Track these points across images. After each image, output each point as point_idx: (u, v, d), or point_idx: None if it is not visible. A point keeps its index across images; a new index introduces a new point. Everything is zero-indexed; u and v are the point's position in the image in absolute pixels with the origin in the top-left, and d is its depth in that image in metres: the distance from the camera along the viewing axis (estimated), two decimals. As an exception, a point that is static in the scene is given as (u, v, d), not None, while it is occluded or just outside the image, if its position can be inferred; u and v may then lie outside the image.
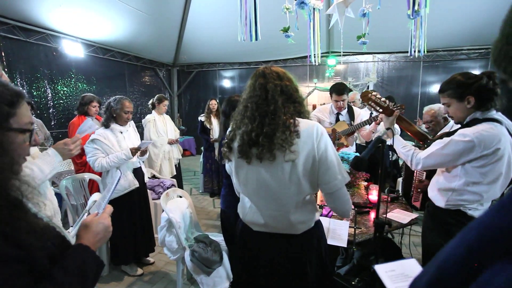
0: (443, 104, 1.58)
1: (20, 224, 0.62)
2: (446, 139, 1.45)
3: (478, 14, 4.95)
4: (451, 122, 2.06)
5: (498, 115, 1.43)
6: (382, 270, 0.96)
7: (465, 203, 1.46)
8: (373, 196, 2.14)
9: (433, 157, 1.48)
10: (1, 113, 0.67)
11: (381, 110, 1.91)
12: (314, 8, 2.50)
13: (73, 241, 0.80)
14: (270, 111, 1.09)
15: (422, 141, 1.86)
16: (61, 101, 4.96)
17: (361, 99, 2.03)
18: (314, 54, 2.75)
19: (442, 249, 0.41)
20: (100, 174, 2.81)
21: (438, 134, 1.76)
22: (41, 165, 1.37)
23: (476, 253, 0.34)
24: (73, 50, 4.94)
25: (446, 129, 2.15)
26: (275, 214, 1.15)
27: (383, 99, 1.92)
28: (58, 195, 2.84)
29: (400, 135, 1.79)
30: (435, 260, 0.40)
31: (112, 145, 2.37)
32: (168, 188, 3.34)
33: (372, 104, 1.93)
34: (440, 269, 0.38)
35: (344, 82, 3.08)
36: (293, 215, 1.13)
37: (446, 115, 1.64)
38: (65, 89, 5.03)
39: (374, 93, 1.94)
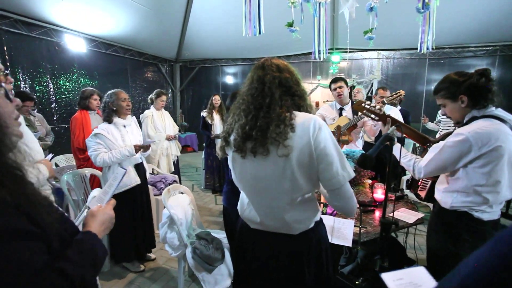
0: (439, 105, 1.54)
1: (41, 207, 0.65)
2: (441, 143, 1.40)
3: (486, 11, 4.85)
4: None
5: (500, 112, 1.36)
6: (390, 278, 0.92)
7: (471, 205, 1.40)
8: (378, 194, 2.10)
9: (432, 163, 1.43)
10: None
11: (377, 118, 1.87)
12: (320, 3, 2.45)
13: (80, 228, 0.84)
14: (265, 104, 1.04)
15: (424, 144, 1.80)
16: (63, 96, 4.96)
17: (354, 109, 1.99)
18: (319, 50, 2.71)
19: (463, 263, 0.36)
20: (101, 169, 2.79)
21: (442, 134, 1.70)
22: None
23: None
24: (76, 45, 4.91)
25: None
26: (269, 211, 1.12)
27: (377, 106, 1.88)
28: (60, 190, 2.84)
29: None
30: (455, 275, 0.36)
31: (115, 140, 2.35)
32: (170, 184, 3.33)
33: (367, 113, 1.90)
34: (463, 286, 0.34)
35: (348, 79, 3.08)
36: (288, 213, 1.08)
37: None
38: (67, 84, 5.02)
39: (368, 102, 1.91)
